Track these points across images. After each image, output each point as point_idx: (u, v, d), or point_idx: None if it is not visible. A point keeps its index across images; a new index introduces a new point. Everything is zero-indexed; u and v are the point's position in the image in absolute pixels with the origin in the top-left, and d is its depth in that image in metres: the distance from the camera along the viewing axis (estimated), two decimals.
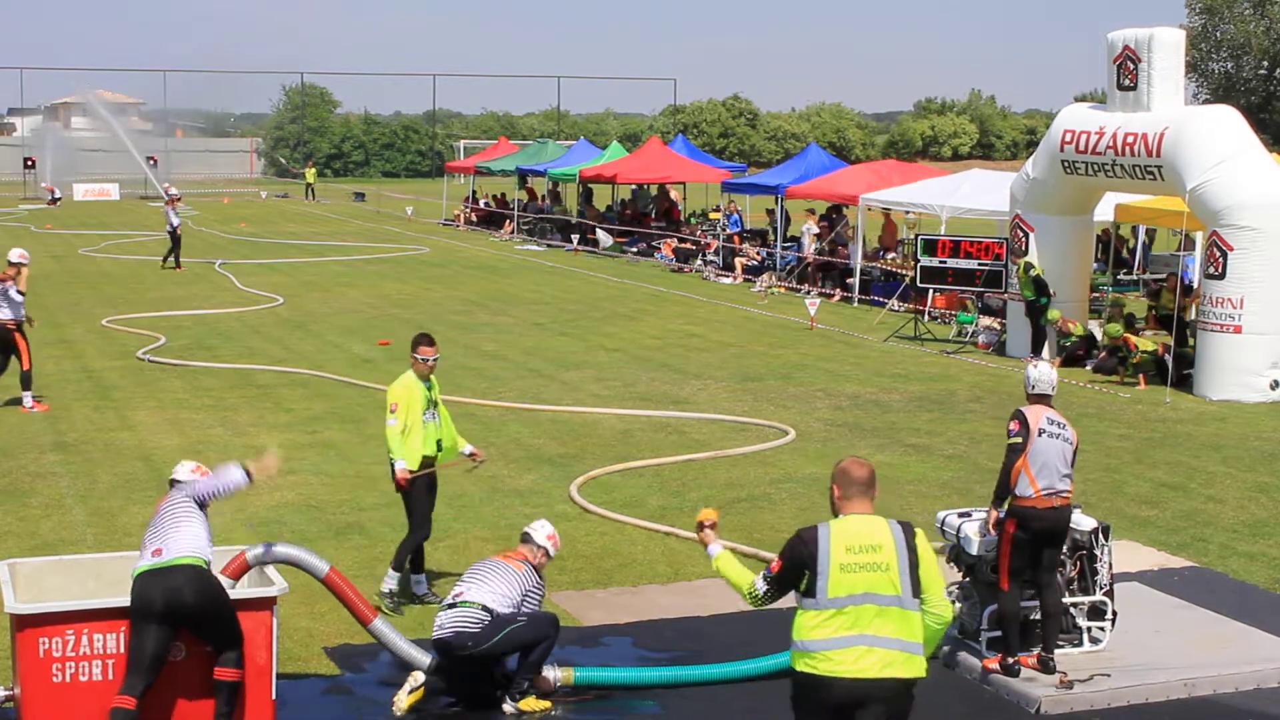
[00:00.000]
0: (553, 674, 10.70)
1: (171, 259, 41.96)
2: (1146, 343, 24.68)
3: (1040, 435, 10.92)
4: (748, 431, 20.07)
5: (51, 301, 32.80)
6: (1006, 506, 11.01)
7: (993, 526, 11.14)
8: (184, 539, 9.57)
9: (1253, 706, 10.73)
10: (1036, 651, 11.16)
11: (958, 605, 11.49)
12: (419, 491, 12.60)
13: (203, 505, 9.89)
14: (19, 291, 21.15)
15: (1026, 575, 11.09)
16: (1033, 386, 11.22)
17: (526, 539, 11.03)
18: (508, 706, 10.44)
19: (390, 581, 12.55)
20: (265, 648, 9.73)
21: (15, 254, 21.80)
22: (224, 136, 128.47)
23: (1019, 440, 10.90)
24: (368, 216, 67.84)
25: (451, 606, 10.53)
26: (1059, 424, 11.06)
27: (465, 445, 13.02)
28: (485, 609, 10.40)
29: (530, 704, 10.50)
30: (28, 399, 21.14)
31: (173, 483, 10.23)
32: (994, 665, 11.06)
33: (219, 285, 37.74)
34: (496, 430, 19.71)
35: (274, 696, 9.79)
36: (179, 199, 45.97)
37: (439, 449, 12.70)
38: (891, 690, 7.61)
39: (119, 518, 15.35)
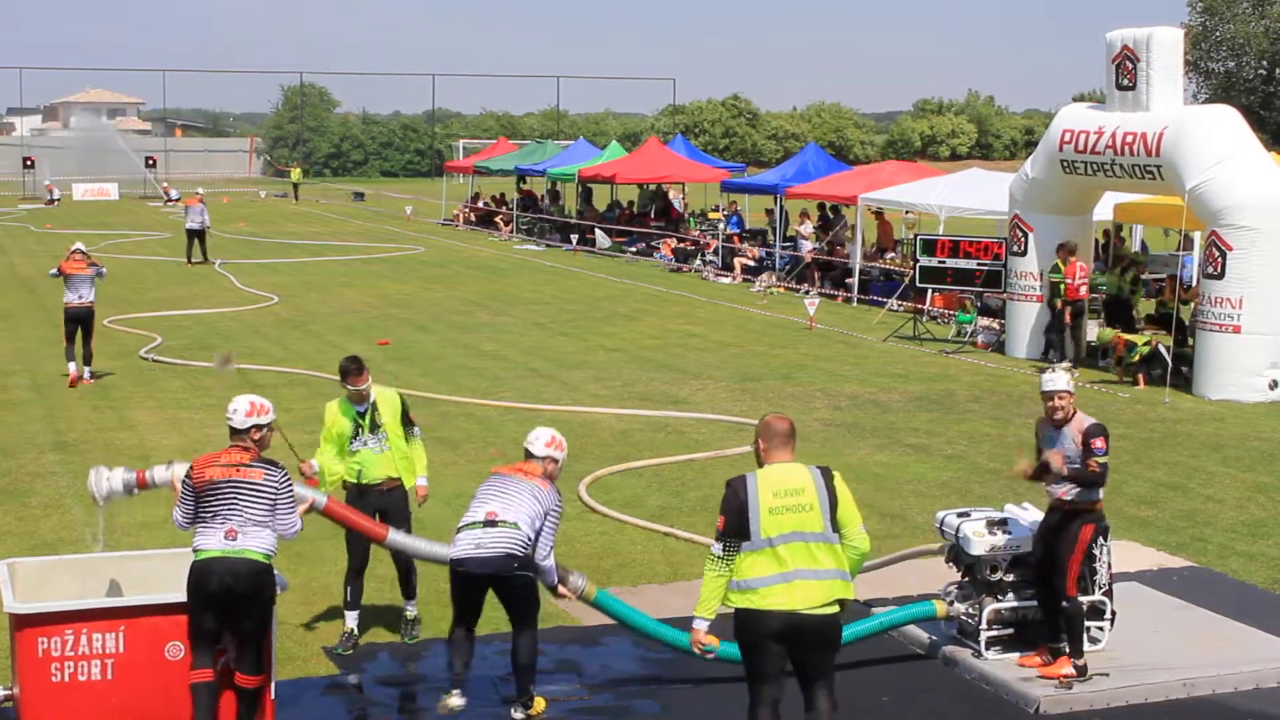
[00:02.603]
0: (580, 581, 10.67)
1: (198, 255, 43.23)
2: (1140, 339, 24.65)
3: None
4: (746, 431, 20.07)
5: (51, 302, 32.74)
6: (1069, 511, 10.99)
7: (1061, 461, 10.85)
8: (263, 536, 9.50)
9: (1252, 706, 10.73)
10: (1042, 647, 11.17)
11: (957, 606, 11.50)
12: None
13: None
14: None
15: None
16: (1048, 384, 11.17)
17: (530, 456, 10.49)
18: (518, 714, 10.32)
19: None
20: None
21: (79, 246, 24.38)
22: (223, 136, 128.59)
23: (1108, 459, 10.83)
24: (367, 216, 67.86)
25: (489, 525, 10.06)
26: None
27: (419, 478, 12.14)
28: (519, 528, 10.06)
29: (539, 706, 10.43)
30: (87, 372, 23.47)
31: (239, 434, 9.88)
32: (1068, 670, 10.90)
33: (219, 285, 37.74)
34: (496, 430, 19.71)
35: (273, 696, 9.79)
36: (199, 198, 46.19)
37: (359, 479, 11.75)
38: (822, 621, 8.53)
39: (118, 517, 15.33)
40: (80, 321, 23.35)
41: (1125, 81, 24.73)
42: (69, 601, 9.60)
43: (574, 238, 50.54)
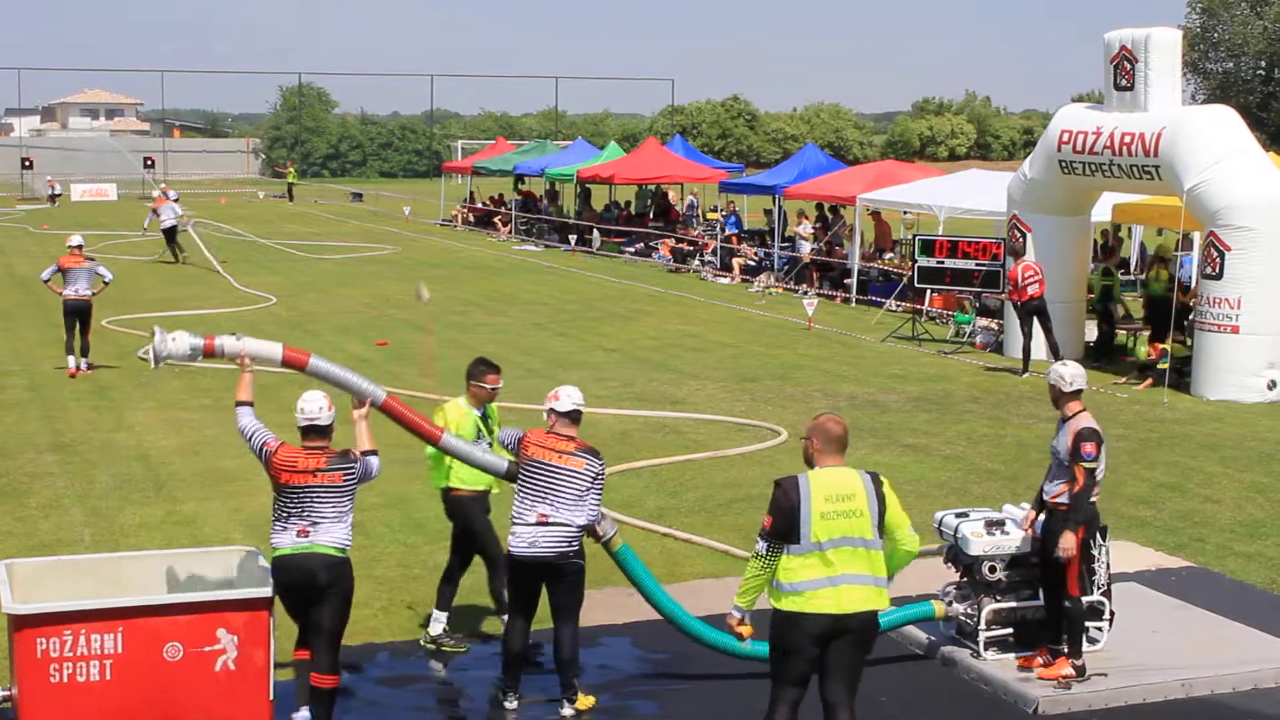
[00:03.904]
0: (611, 529, 10.86)
1: (170, 254, 43.41)
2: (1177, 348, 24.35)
3: (1102, 446, 10.98)
4: (745, 432, 20.09)
5: (50, 300, 32.74)
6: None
7: (1031, 531, 11.22)
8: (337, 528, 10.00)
9: (1250, 707, 10.74)
10: (1042, 648, 11.18)
11: (955, 606, 11.51)
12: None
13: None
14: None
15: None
16: (1070, 383, 11.17)
17: (558, 415, 10.69)
18: (566, 710, 10.45)
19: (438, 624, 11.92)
20: (263, 647, 9.74)
21: (76, 238, 25.01)
22: (221, 137, 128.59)
23: (1096, 464, 10.83)
24: (365, 216, 67.86)
25: (540, 525, 10.29)
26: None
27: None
28: (573, 525, 10.37)
29: (584, 702, 10.54)
30: (84, 363, 24.19)
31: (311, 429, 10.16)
32: (1068, 671, 10.92)
33: (216, 285, 37.71)
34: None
35: (272, 697, 9.80)
36: (169, 198, 46.37)
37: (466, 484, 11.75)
38: (863, 621, 8.66)
39: (116, 518, 15.37)
40: (78, 315, 23.97)
41: (1124, 82, 24.74)
42: (68, 602, 9.59)
43: (572, 238, 50.55)
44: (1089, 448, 10.79)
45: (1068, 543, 10.81)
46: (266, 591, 9.84)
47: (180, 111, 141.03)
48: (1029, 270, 25.37)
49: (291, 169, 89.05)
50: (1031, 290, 25.21)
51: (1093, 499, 10.91)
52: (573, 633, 10.55)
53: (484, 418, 11.71)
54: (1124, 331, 28.20)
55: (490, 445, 11.42)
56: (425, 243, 52.99)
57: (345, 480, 9.97)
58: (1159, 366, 23.80)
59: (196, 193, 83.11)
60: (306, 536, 9.87)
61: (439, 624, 11.83)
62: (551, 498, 10.37)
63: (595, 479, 10.55)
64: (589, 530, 10.61)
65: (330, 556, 9.87)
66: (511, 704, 10.54)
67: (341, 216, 68.14)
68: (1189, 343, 24.20)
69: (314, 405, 10.13)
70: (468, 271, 42.49)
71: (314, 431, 10.11)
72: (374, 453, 10.27)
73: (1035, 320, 25.35)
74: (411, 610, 12.66)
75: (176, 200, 46.22)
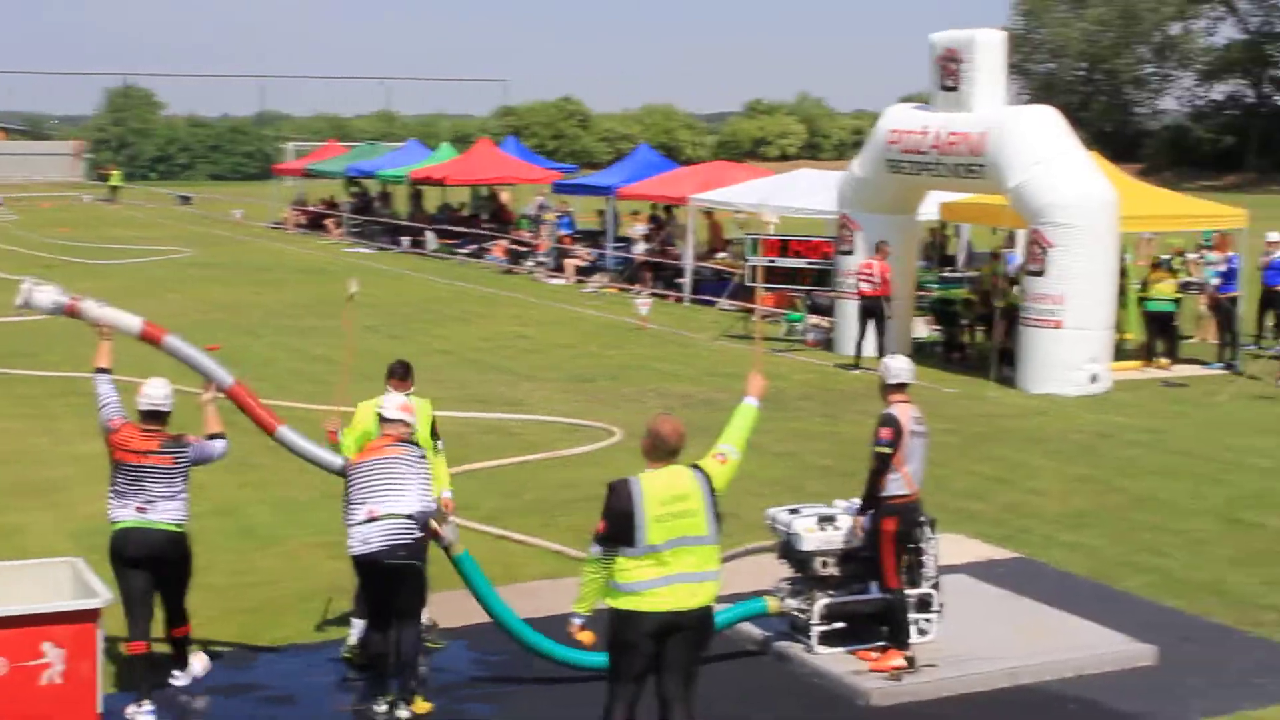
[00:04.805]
0: (452, 535, 10.84)
1: None
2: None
3: (912, 437, 11.09)
4: (580, 432, 20.11)
5: None
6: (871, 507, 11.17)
7: (860, 531, 11.28)
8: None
9: (1074, 693, 10.98)
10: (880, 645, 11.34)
11: (788, 602, 11.62)
12: None
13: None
14: None
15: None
16: (894, 376, 11.30)
17: (385, 420, 10.76)
18: (402, 713, 10.33)
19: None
20: (90, 660, 9.56)
21: None
22: (44, 139, 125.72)
23: (888, 451, 10.98)
24: (194, 220, 66.77)
25: (370, 521, 10.21)
26: (921, 420, 11.27)
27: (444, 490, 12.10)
28: (407, 518, 10.26)
29: (421, 706, 10.46)
30: None
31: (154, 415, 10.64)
32: (898, 662, 11.05)
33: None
34: (322, 436, 19.47)
35: (100, 710, 9.62)
36: None
37: None
38: (699, 617, 8.73)
39: None
40: None
41: (949, 82, 25.13)
42: None
43: (405, 240, 50.19)
44: (883, 432, 11.00)
45: (856, 524, 11.17)
46: (95, 603, 9.68)
47: (0, 113, 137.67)
48: (862, 268, 25.70)
49: (115, 171, 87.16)
50: (864, 289, 25.56)
51: (910, 492, 11.06)
52: (414, 635, 10.51)
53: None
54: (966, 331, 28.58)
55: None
56: (256, 245, 52.30)
57: (176, 463, 10.46)
58: (981, 359, 24.42)
59: (18, 196, 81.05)
60: (144, 513, 10.31)
61: (356, 632, 11.62)
62: (380, 492, 10.30)
63: (419, 460, 10.51)
64: (430, 532, 10.56)
65: (172, 532, 10.38)
66: (404, 713, 10.34)
67: (170, 220, 66.95)
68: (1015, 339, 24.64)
69: (159, 392, 10.71)
70: (299, 275, 41.99)
71: (153, 416, 10.64)
72: (220, 435, 10.72)
73: (868, 319, 25.66)
74: (245, 614, 12.50)
75: (1, 204, 45.09)
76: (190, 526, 10.68)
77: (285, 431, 11.02)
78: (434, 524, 10.63)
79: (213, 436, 10.79)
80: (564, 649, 10.63)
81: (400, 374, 12.11)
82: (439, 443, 12.11)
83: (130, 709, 10.06)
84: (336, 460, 10.95)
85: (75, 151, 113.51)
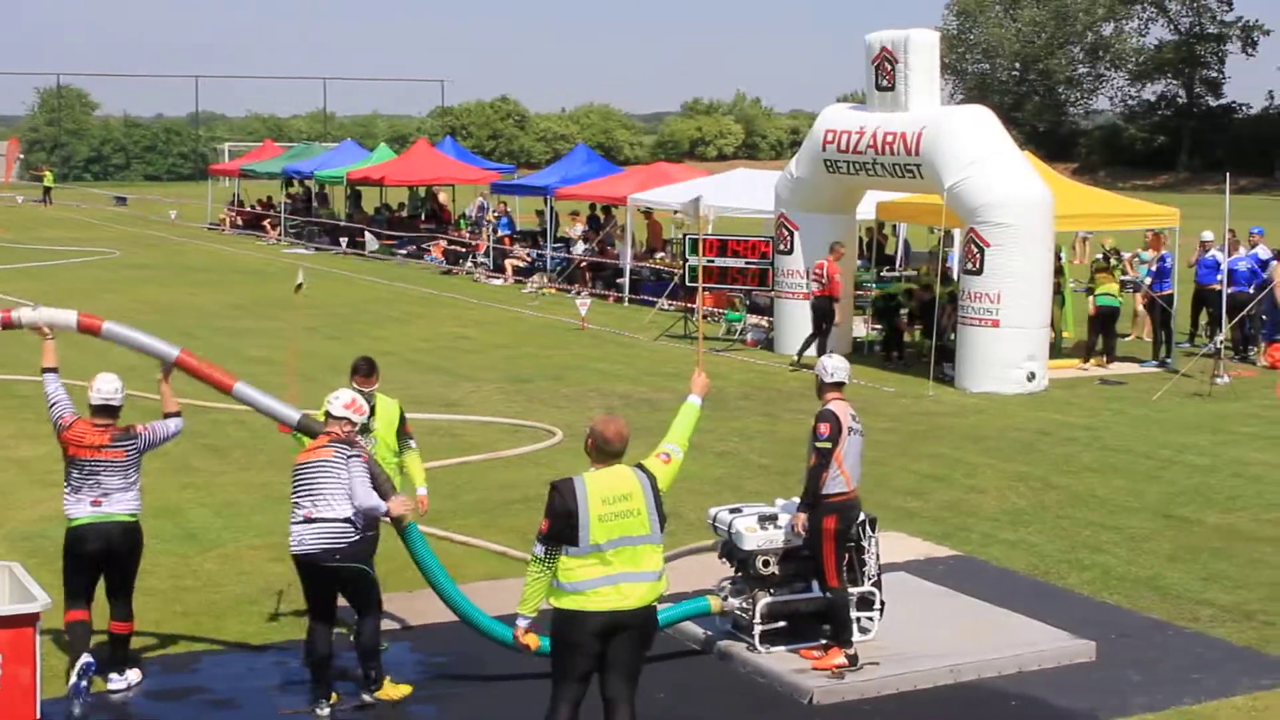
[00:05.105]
0: (402, 508, 10.76)
1: None
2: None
3: (850, 434, 11.14)
4: (521, 433, 20.10)
5: None
6: (812, 505, 11.19)
7: (801, 529, 11.30)
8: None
9: (1015, 690, 11.04)
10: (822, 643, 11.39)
11: (730, 601, 11.65)
12: None
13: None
14: None
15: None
16: (831, 375, 11.35)
17: (329, 416, 10.75)
18: (366, 697, 10.47)
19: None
20: (29, 665, 9.47)
21: None
22: None
23: (829, 445, 11.02)
24: (130, 221, 66.26)
25: (306, 522, 10.26)
26: (857, 418, 11.33)
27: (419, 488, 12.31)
28: (344, 520, 10.29)
29: (388, 691, 10.55)
30: None
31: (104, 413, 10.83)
32: (840, 660, 11.07)
33: None
34: (263, 437, 19.37)
35: (39, 715, 9.54)
36: None
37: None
38: (643, 616, 8.74)
39: None
40: None
41: (885, 82, 25.26)
42: None
43: (343, 240, 50.00)
44: (822, 428, 11.06)
45: (797, 521, 11.19)
46: (33, 607, 9.58)
47: None
48: (819, 267, 25.66)
49: (49, 172, 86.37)
50: (813, 288, 25.68)
51: (849, 490, 11.12)
52: (374, 624, 10.66)
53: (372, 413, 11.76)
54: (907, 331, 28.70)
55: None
56: (193, 246, 51.98)
57: (128, 455, 10.73)
58: (920, 358, 24.51)
59: None
60: (100, 506, 10.57)
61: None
62: (311, 495, 10.34)
63: (350, 461, 10.43)
64: (392, 521, 10.66)
65: (126, 523, 10.66)
66: (324, 710, 10.39)
67: (104, 221, 66.40)
68: (952, 337, 24.79)
69: (110, 387, 10.88)
70: (237, 275, 41.77)
71: (104, 411, 10.83)
72: (177, 414, 11.05)
73: (818, 320, 25.74)
74: (186, 617, 12.43)
75: None
76: (142, 516, 10.94)
77: (242, 387, 11.20)
78: (391, 510, 10.60)
79: (169, 415, 11.06)
80: (501, 625, 10.71)
81: (365, 370, 12.13)
82: (411, 440, 12.28)
83: (115, 681, 10.66)
84: (294, 414, 11.08)
85: (8, 153, 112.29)
